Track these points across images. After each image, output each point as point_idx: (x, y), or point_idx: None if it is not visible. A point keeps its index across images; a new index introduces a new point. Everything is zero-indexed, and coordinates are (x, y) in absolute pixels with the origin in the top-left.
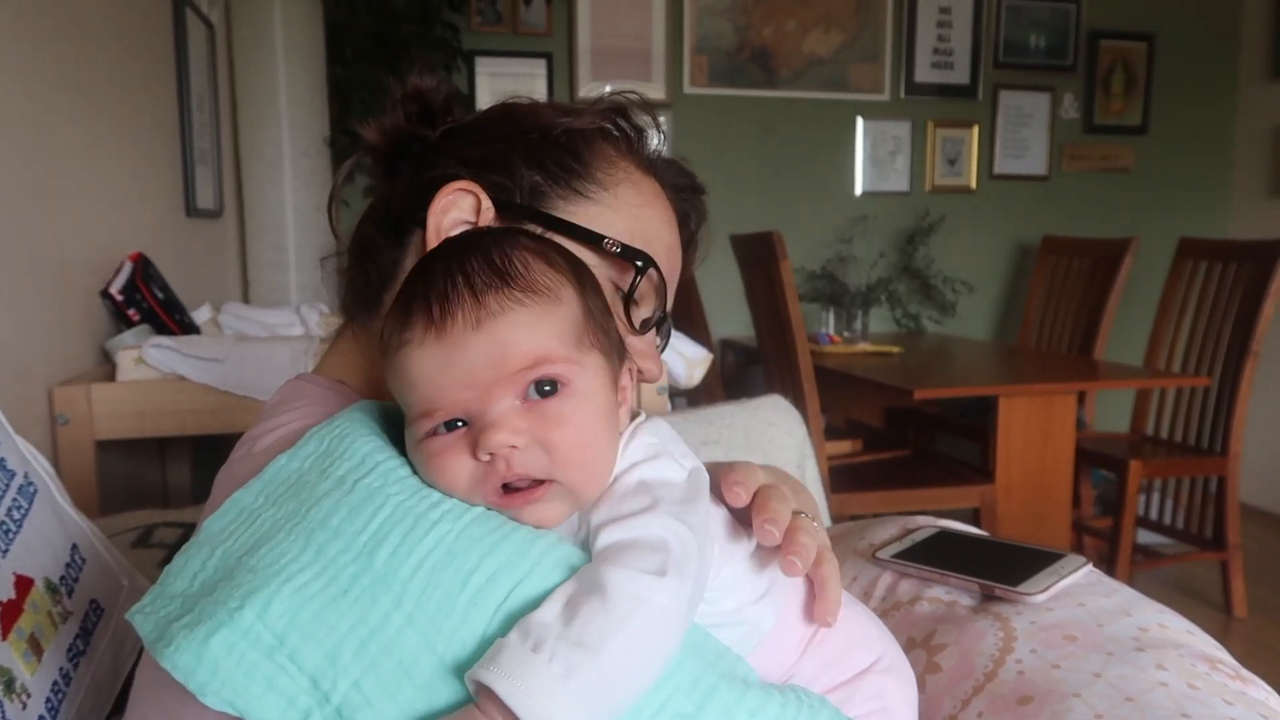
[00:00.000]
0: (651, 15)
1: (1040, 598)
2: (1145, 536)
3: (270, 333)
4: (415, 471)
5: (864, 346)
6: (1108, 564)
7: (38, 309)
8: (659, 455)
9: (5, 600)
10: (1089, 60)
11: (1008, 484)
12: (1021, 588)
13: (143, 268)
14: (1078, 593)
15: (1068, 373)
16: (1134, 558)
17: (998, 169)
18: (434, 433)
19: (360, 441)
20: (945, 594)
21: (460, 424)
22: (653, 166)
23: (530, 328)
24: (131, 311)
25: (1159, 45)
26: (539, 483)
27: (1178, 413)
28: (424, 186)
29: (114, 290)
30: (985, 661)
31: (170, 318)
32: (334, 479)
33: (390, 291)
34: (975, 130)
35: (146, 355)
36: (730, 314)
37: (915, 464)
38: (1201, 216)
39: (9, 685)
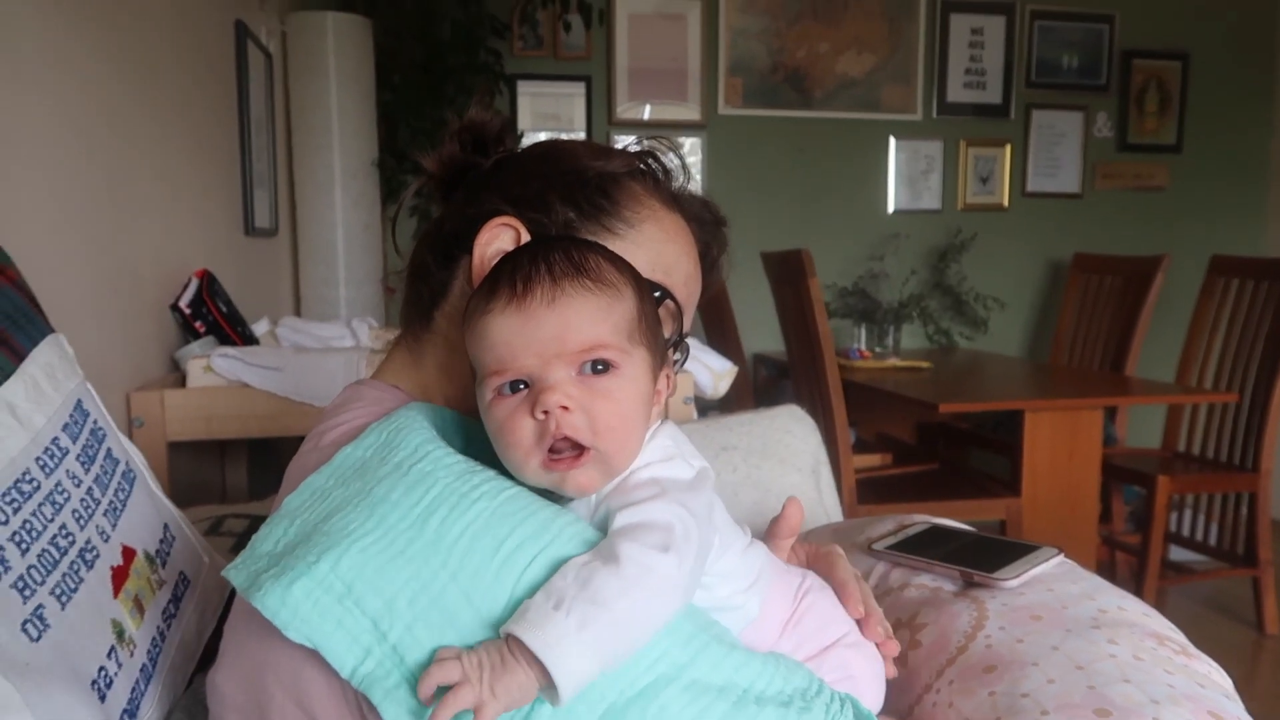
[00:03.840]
0: (687, 38)
1: (1013, 583)
2: (1179, 553)
3: (324, 344)
4: (465, 457)
5: (894, 362)
6: (1137, 579)
7: (115, 321)
8: (672, 457)
9: (116, 566)
10: (1122, 79)
11: (1034, 498)
12: (997, 574)
13: (208, 283)
14: (1049, 580)
15: (1094, 388)
16: (1165, 574)
17: (1030, 187)
18: (500, 393)
19: (414, 434)
20: (931, 581)
21: (523, 386)
22: (677, 201)
23: (593, 314)
24: (198, 324)
25: (1193, 64)
26: (580, 452)
27: (1209, 429)
28: (472, 218)
29: (183, 304)
30: (959, 638)
31: (233, 330)
32: (392, 464)
33: (440, 309)
34: (1008, 149)
35: (214, 364)
36: (763, 330)
37: (943, 477)
38: (1236, 235)
39: (120, 635)
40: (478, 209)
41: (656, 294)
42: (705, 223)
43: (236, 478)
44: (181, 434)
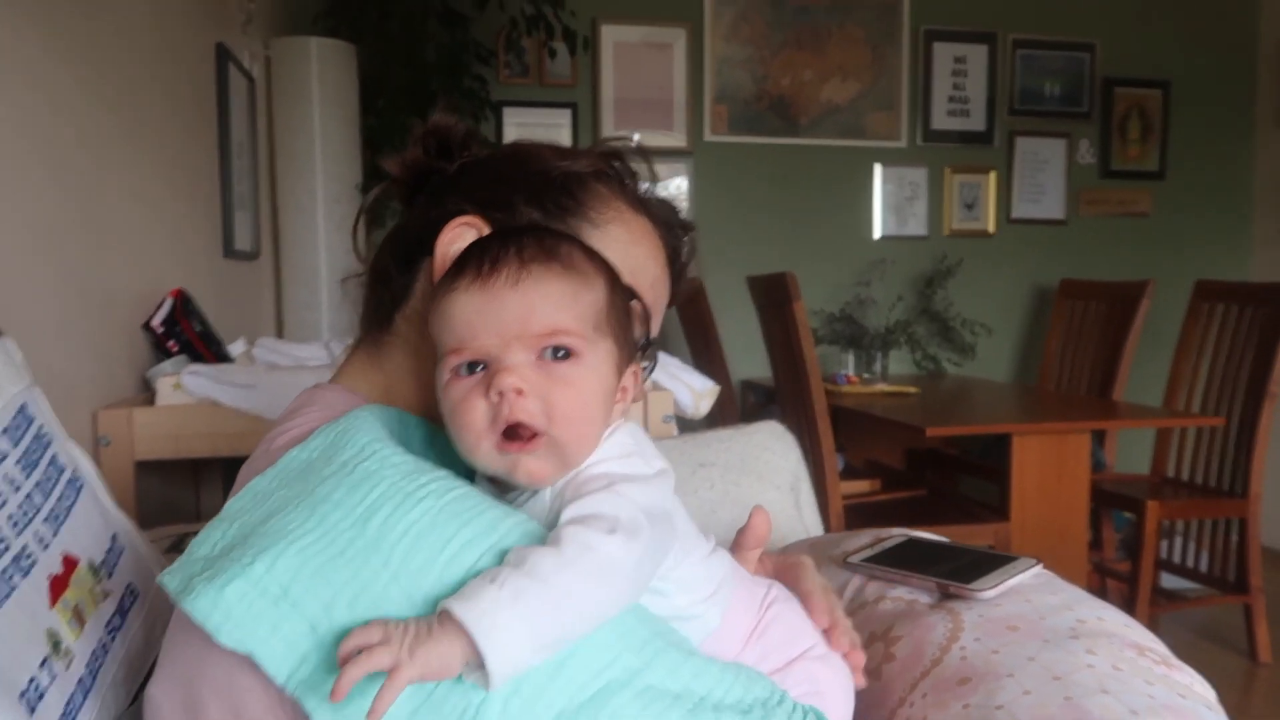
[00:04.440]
0: (673, 67)
1: (990, 594)
2: (1170, 581)
3: (298, 364)
4: (413, 456)
5: (881, 387)
6: (1128, 606)
7: (85, 338)
8: (630, 455)
9: (55, 574)
10: (1104, 107)
11: (1023, 522)
12: (973, 585)
13: (183, 303)
14: (1027, 590)
15: (1081, 412)
16: (1157, 601)
17: (1015, 213)
18: (457, 373)
19: (361, 434)
20: (907, 594)
21: (481, 368)
22: (644, 205)
23: (559, 298)
24: (171, 343)
25: (1174, 92)
26: (535, 436)
27: (1198, 454)
28: (434, 220)
29: (155, 323)
30: (934, 650)
31: (207, 349)
32: (337, 463)
33: (401, 312)
34: (992, 175)
35: (184, 381)
36: (751, 356)
37: (931, 503)
38: (1220, 260)
39: (56, 646)
40: (441, 211)
41: None
42: (672, 226)
43: (211, 499)
44: (149, 453)
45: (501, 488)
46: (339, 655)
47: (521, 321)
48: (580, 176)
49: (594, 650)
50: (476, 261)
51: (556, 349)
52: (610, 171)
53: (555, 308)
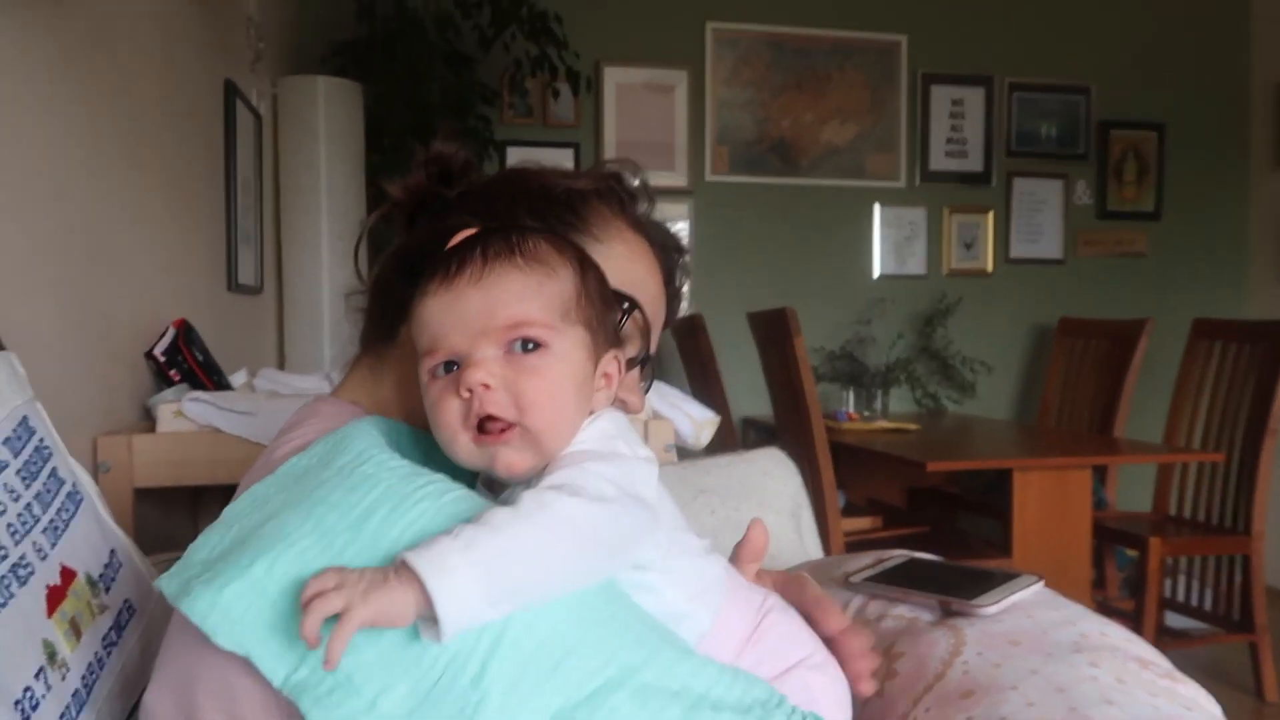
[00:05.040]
0: (675, 108)
1: (992, 609)
2: (1175, 619)
3: (299, 394)
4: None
5: (881, 424)
6: None
7: (88, 364)
8: (611, 438)
9: (52, 585)
10: (1100, 149)
11: (1025, 559)
12: (975, 601)
13: (185, 332)
14: (1029, 607)
15: (1082, 448)
16: (1162, 639)
17: (1014, 253)
18: (434, 374)
19: (359, 441)
20: (909, 611)
21: (455, 367)
22: (642, 226)
23: (520, 291)
24: (173, 372)
25: (1169, 135)
26: (507, 428)
27: (1199, 492)
28: (440, 233)
29: (157, 352)
30: (936, 665)
31: (209, 378)
32: (335, 468)
33: (405, 324)
34: (990, 215)
35: (185, 408)
36: (752, 394)
37: (933, 540)
38: (1218, 299)
39: (51, 656)
40: (445, 225)
41: (625, 305)
42: (669, 249)
43: None
44: (149, 480)
45: (497, 491)
46: (300, 601)
47: (485, 316)
48: (583, 194)
49: (591, 648)
50: (445, 265)
51: (524, 341)
52: (611, 191)
53: (517, 300)
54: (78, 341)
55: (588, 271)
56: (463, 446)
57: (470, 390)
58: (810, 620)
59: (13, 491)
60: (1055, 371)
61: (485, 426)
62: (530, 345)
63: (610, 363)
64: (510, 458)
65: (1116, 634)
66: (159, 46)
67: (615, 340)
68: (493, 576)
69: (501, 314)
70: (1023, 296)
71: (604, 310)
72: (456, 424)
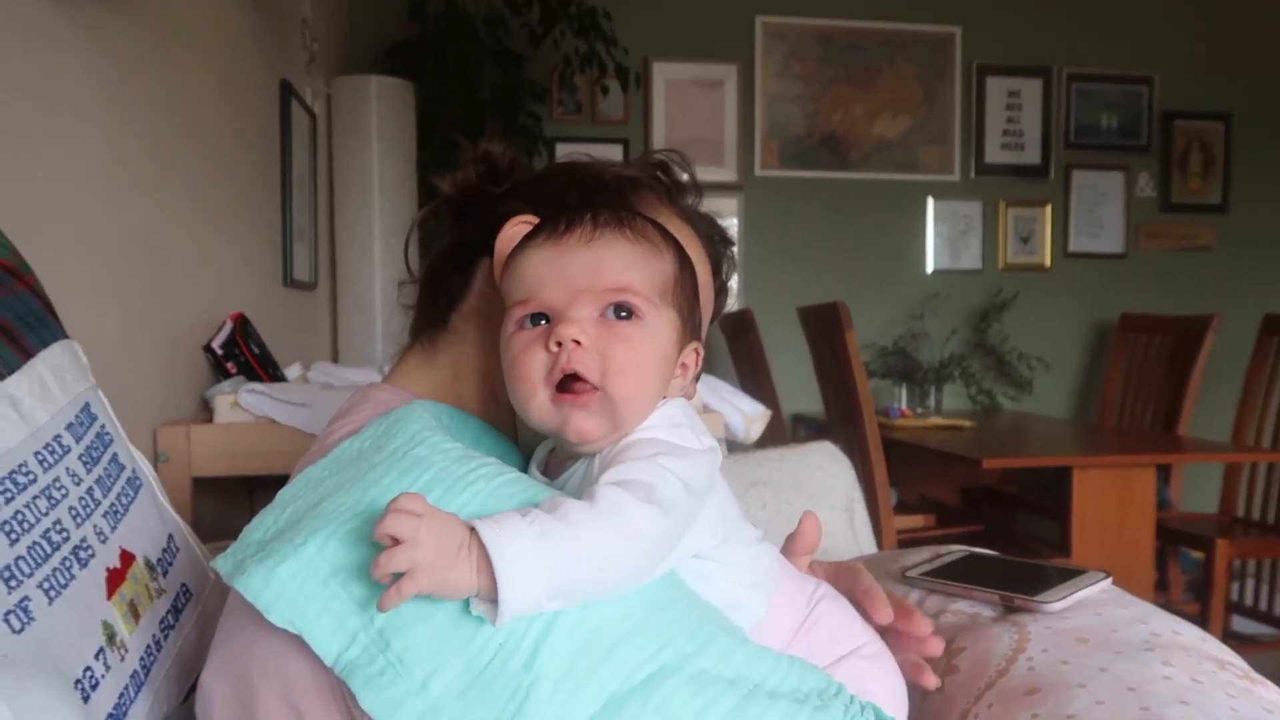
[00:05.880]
0: (724, 103)
1: (1057, 606)
2: (1241, 624)
3: (352, 385)
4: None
5: (935, 420)
6: None
7: (148, 357)
8: (679, 425)
9: (112, 568)
10: (1164, 140)
11: (1085, 560)
12: (1039, 598)
13: (242, 326)
14: (1096, 604)
15: (1145, 446)
16: (1227, 645)
17: (1072, 247)
18: (521, 325)
19: (412, 424)
20: (969, 607)
21: (544, 320)
22: (689, 217)
23: (628, 259)
24: (230, 365)
25: (1236, 125)
26: (588, 391)
27: (1269, 493)
28: (492, 221)
29: (215, 345)
30: (999, 660)
31: (264, 371)
32: (388, 450)
33: (458, 310)
34: (1048, 209)
35: (241, 399)
36: (802, 390)
37: (988, 539)
38: None
39: (111, 638)
40: (497, 213)
41: None
42: (716, 241)
43: None
44: (206, 470)
45: (551, 475)
46: (375, 534)
47: (590, 276)
48: (633, 180)
49: (647, 634)
50: (553, 223)
51: (620, 307)
52: (658, 181)
53: (623, 267)
54: (138, 335)
55: (685, 263)
56: (539, 403)
57: (560, 344)
58: (861, 611)
59: (74, 475)
60: (1116, 369)
61: (567, 385)
62: (625, 313)
63: (690, 354)
64: (584, 423)
65: (1190, 633)
66: (218, 48)
67: (698, 334)
68: (560, 573)
69: (606, 276)
70: (1082, 292)
71: (694, 303)
72: (538, 377)
